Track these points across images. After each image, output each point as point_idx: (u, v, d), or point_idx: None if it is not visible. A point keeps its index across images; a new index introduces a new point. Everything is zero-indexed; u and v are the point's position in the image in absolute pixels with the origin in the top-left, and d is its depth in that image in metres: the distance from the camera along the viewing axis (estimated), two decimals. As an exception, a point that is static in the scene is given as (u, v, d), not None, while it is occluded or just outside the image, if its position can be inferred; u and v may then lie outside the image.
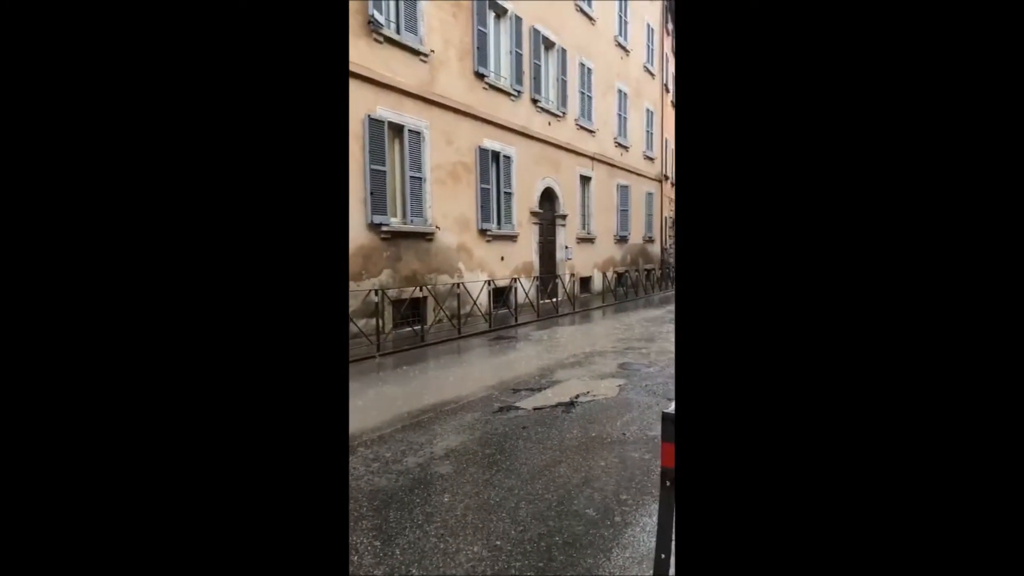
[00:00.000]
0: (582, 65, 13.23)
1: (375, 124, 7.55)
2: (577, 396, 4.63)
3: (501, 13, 10.30)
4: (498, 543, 2.29)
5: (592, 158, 14.01)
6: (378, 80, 7.60)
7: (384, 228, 7.78)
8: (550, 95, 12.02)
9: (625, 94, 15.86)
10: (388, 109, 7.82)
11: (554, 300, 11.45)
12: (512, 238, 10.83)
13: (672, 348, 6.37)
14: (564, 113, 12.50)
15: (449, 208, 9.12)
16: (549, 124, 12.00)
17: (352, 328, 6.94)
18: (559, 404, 4.40)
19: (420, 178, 8.48)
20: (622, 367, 5.80)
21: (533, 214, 11.51)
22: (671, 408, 1.36)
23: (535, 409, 4.28)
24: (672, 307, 11.24)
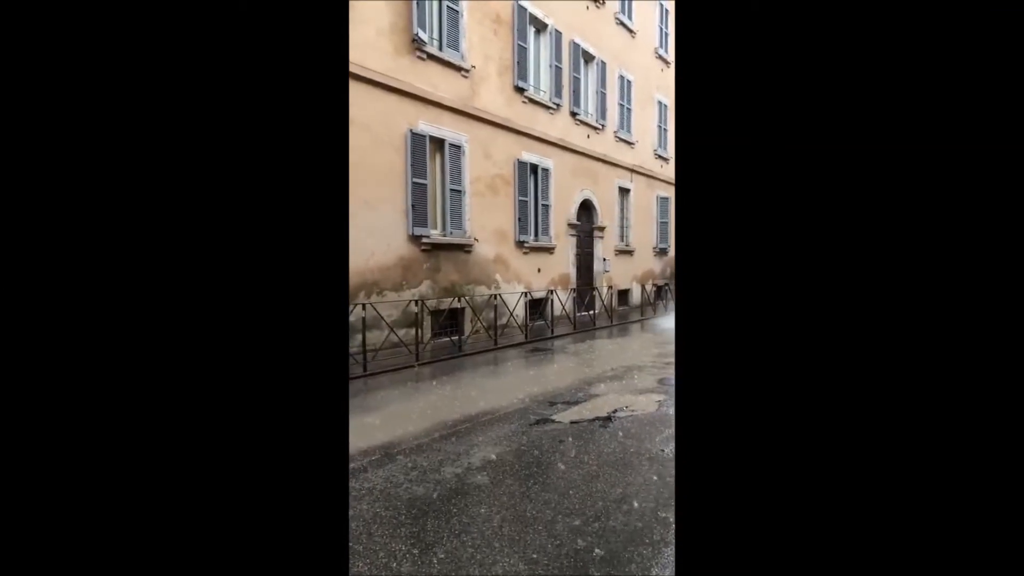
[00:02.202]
0: (621, 77, 13.20)
1: (417, 138, 7.73)
2: (615, 410, 4.58)
3: (541, 28, 10.42)
4: (535, 556, 2.28)
5: (631, 170, 13.91)
6: (420, 96, 7.80)
7: (424, 240, 7.93)
8: (589, 108, 12.04)
9: (665, 106, 15.71)
10: (429, 124, 8.00)
11: (591, 312, 11.36)
12: (549, 250, 10.84)
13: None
14: (603, 125, 12.48)
15: (487, 220, 9.22)
16: (588, 136, 12.01)
17: (392, 338, 7.07)
18: (596, 418, 4.36)
19: (460, 191, 8.62)
20: (661, 382, 5.70)
21: (570, 226, 11.50)
22: None
23: (572, 423, 4.25)
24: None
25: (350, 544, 2.39)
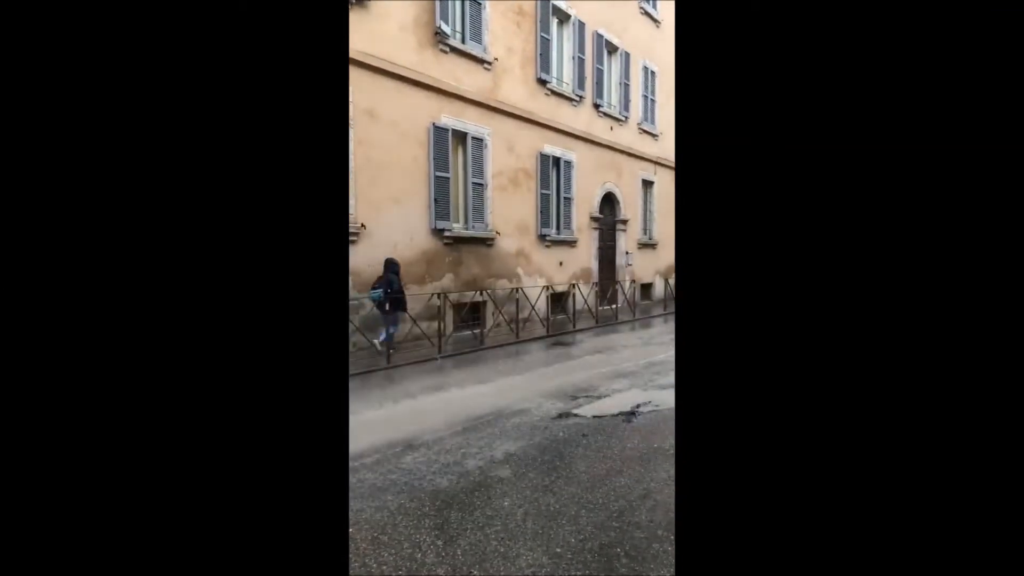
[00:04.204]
0: (645, 68, 13.01)
1: (440, 132, 7.75)
2: (637, 405, 4.54)
3: (564, 19, 10.31)
4: (559, 550, 2.28)
5: (655, 162, 13.73)
6: (443, 89, 7.80)
7: (447, 233, 7.96)
8: (612, 99, 11.90)
9: (690, 96, 15.43)
10: (452, 117, 8.01)
11: (614, 306, 11.28)
12: (571, 243, 10.78)
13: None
14: (626, 117, 12.33)
15: (509, 213, 9.21)
16: (611, 128, 11.88)
17: (415, 330, 7.14)
18: (619, 413, 4.34)
19: (482, 184, 8.62)
20: (685, 377, 5.63)
21: (593, 219, 11.42)
22: None
23: (594, 417, 4.23)
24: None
25: (376, 535, 2.43)
